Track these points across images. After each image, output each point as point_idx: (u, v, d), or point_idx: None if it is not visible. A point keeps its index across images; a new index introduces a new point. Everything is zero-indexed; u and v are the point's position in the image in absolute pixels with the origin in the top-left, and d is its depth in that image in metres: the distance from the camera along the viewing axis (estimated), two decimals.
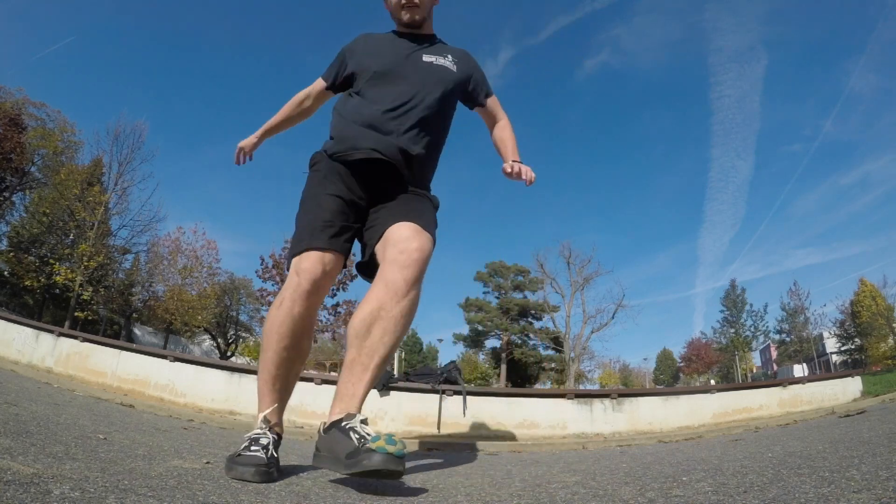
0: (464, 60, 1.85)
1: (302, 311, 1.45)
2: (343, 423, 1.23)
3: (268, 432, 1.36)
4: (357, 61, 1.79)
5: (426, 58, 1.76)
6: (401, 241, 1.44)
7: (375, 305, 1.35)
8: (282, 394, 1.47)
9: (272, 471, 1.23)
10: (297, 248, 1.51)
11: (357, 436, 1.18)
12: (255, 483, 1.16)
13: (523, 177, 1.70)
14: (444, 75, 1.76)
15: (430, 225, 1.56)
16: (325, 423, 1.32)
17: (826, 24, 69.65)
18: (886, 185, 61.50)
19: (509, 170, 1.72)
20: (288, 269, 1.56)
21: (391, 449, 1.09)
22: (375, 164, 1.59)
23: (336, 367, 32.58)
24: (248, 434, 1.37)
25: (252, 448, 1.28)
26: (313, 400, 4.27)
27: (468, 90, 1.87)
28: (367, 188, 1.62)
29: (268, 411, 1.43)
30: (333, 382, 4.40)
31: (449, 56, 1.81)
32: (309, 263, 1.46)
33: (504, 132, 1.91)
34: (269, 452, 1.28)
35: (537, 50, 75.83)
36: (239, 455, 1.26)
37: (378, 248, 1.52)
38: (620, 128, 77.67)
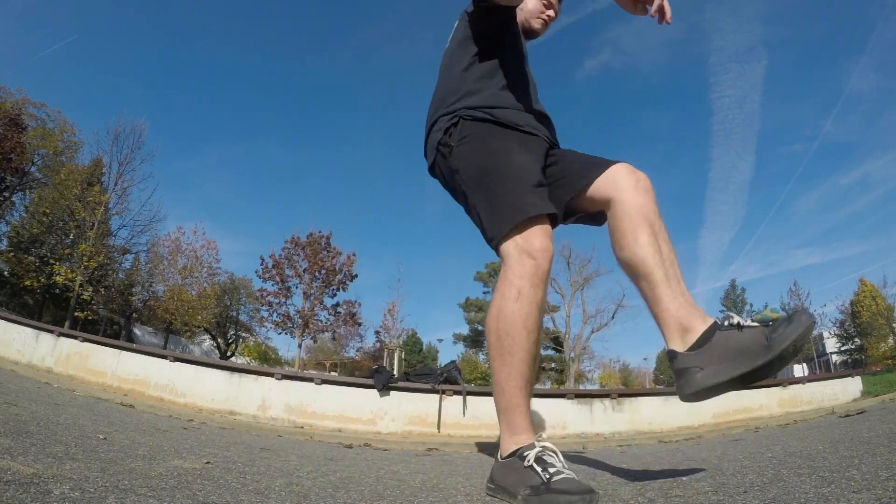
0: None
1: (543, 296, 1.23)
2: (734, 322, 1.14)
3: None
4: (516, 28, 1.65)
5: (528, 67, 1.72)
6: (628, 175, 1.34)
7: (649, 228, 1.27)
8: (529, 397, 1.23)
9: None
10: (517, 217, 1.24)
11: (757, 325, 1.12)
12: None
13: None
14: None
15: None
16: (691, 339, 1.16)
17: (826, 24, 69.67)
18: (886, 185, 61.46)
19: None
20: (498, 250, 1.28)
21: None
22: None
23: (336, 367, 32.56)
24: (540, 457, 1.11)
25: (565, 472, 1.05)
26: (313, 400, 4.27)
27: None
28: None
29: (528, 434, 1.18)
30: (333, 383, 4.41)
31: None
32: (541, 239, 1.23)
33: None
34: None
35: (537, 50, 75.23)
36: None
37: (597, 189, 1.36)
38: (621, 128, 77.60)
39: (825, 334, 41.15)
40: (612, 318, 34.30)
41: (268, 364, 28.32)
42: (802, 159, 70.38)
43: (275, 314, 23.20)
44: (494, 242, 1.30)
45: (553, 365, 40.45)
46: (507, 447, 1.19)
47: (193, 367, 4.60)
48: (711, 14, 69.37)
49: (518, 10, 1.71)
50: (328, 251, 23.72)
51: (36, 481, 0.84)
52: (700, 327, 1.14)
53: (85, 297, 20.06)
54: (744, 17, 67.18)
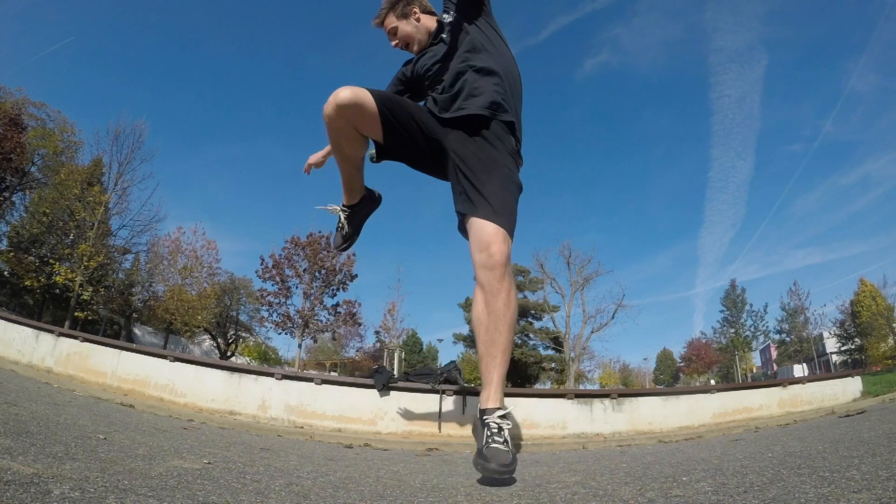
0: None
1: None
2: (483, 417, 1.44)
3: None
4: None
5: None
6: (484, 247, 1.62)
7: (481, 306, 1.61)
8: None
9: None
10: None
11: (487, 432, 1.37)
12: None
13: None
14: None
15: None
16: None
17: (826, 24, 69.83)
18: (886, 185, 61.65)
19: None
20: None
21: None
22: None
23: (336, 366, 32.54)
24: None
25: None
26: (313, 400, 4.27)
27: None
28: None
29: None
30: (333, 382, 4.40)
31: None
32: None
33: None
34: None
35: (537, 49, 75.96)
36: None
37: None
38: (620, 128, 77.83)
39: (825, 334, 41.14)
40: (612, 318, 34.34)
41: (268, 364, 28.32)
42: (802, 159, 70.48)
43: (275, 314, 23.22)
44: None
45: (553, 365, 40.43)
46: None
47: (193, 367, 4.59)
48: (711, 14, 69.46)
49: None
50: (328, 251, 23.71)
51: (36, 481, 0.84)
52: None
53: (85, 297, 20.06)
54: (744, 16, 67.28)
